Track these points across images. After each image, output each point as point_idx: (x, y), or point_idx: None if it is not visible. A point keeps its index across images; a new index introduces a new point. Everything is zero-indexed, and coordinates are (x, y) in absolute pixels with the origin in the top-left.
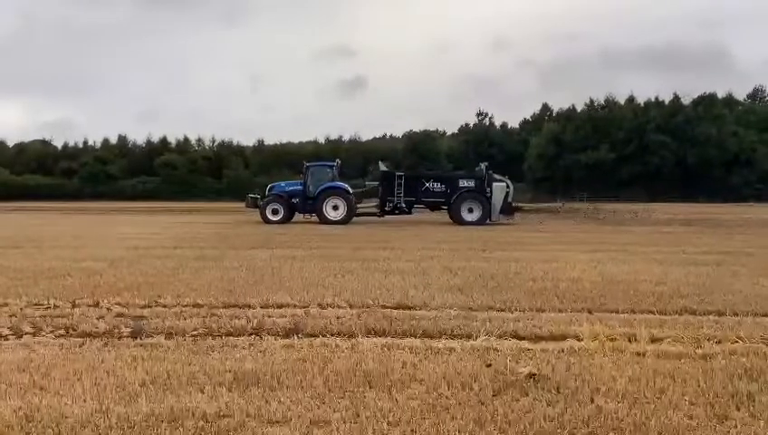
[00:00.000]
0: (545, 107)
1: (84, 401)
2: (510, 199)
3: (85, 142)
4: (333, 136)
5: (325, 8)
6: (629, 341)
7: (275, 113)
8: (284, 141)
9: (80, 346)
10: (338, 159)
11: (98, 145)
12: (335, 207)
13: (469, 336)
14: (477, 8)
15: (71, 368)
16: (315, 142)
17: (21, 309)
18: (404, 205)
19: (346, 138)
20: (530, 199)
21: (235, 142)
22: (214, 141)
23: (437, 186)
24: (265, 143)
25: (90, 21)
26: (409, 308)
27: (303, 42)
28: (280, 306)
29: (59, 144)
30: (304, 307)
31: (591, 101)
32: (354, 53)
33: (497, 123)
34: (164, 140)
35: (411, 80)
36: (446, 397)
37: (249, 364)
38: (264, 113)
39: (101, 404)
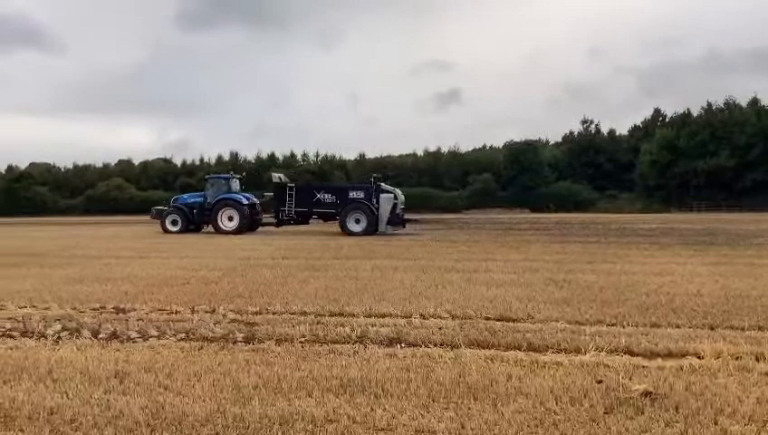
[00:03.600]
0: (657, 112)
1: (204, 401)
2: (398, 211)
3: (201, 159)
4: (432, 148)
5: (418, 24)
6: (757, 360)
7: (375, 127)
8: (384, 154)
9: (199, 349)
10: (233, 172)
11: (212, 161)
12: (230, 218)
13: (578, 351)
14: (570, 17)
15: (191, 370)
16: (414, 155)
17: (147, 314)
18: (295, 215)
19: (445, 149)
20: (640, 209)
21: (337, 156)
22: (318, 156)
23: (328, 197)
24: (366, 156)
25: (206, 48)
26: (513, 320)
27: (399, 58)
28: (383, 316)
29: (178, 161)
30: (406, 317)
31: (709, 105)
32: (448, 67)
33: (604, 130)
34: (272, 156)
35: (507, 90)
36: (555, 412)
37: (354, 371)
38: (365, 128)
39: (219, 404)
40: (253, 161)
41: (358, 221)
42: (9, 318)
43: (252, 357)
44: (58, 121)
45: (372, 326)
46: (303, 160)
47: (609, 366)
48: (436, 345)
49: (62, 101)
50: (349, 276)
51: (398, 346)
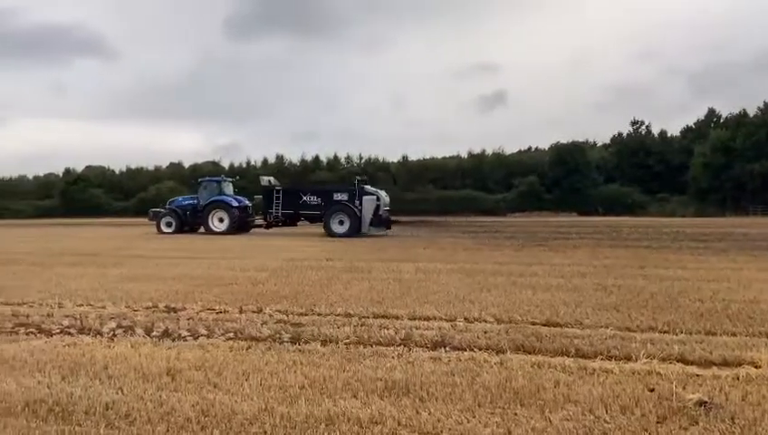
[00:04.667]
0: (711, 112)
1: (252, 399)
2: (381, 212)
3: (248, 162)
4: (476, 150)
5: (463, 28)
6: None
7: (418, 130)
8: (428, 157)
9: (246, 349)
10: (223, 175)
11: (258, 164)
12: (221, 220)
13: (628, 358)
14: (618, 18)
15: (239, 369)
16: (458, 157)
17: (197, 313)
18: (283, 217)
19: (489, 151)
20: (693, 213)
21: (381, 159)
22: (361, 158)
23: (314, 199)
24: (409, 159)
25: (254, 55)
26: (560, 326)
27: (444, 61)
28: (427, 319)
29: (226, 164)
30: (451, 320)
31: (766, 105)
32: (494, 69)
33: (655, 132)
34: (316, 159)
35: (553, 92)
36: (605, 421)
37: (399, 374)
38: (408, 130)
39: (266, 404)
40: (297, 164)
41: (341, 223)
42: (67, 316)
43: (298, 358)
44: (114, 127)
45: (416, 329)
46: (347, 163)
47: (661, 374)
48: (481, 349)
49: (118, 107)
50: (392, 279)
51: (443, 350)
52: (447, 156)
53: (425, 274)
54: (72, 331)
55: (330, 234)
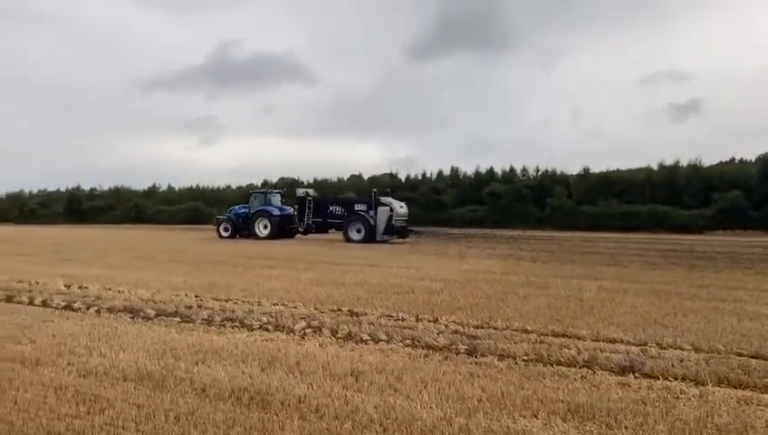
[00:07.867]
0: None
1: (431, 407)
2: (393, 222)
3: (423, 174)
4: (667, 161)
5: (649, 34)
6: None
7: (600, 141)
8: (611, 169)
9: (424, 357)
10: (268, 187)
11: (433, 176)
12: (265, 226)
13: None
14: None
15: (418, 376)
16: (647, 169)
17: (377, 319)
18: (313, 225)
19: (684, 163)
20: None
21: (558, 171)
22: (537, 171)
23: (338, 209)
24: (590, 171)
25: (431, 73)
26: None
27: (629, 70)
28: (612, 341)
29: (402, 176)
30: (640, 345)
31: None
32: (686, 77)
33: None
34: (491, 171)
35: (758, 99)
36: None
37: (582, 397)
38: (588, 142)
39: (445, 413)
40: (471, 176)
41: (359, 231)
42: (265, 313)
43: (475, 370)
44: (308, 142)
45: (601, 351)
46: (523, 175)
47: None
48: (676, 379)
49: (313, 125)
50: (573, 296)
51: (632, 375)
52: (633, 168)
53: (608, 293)
54: (269, 327)
55: (348, 240)
